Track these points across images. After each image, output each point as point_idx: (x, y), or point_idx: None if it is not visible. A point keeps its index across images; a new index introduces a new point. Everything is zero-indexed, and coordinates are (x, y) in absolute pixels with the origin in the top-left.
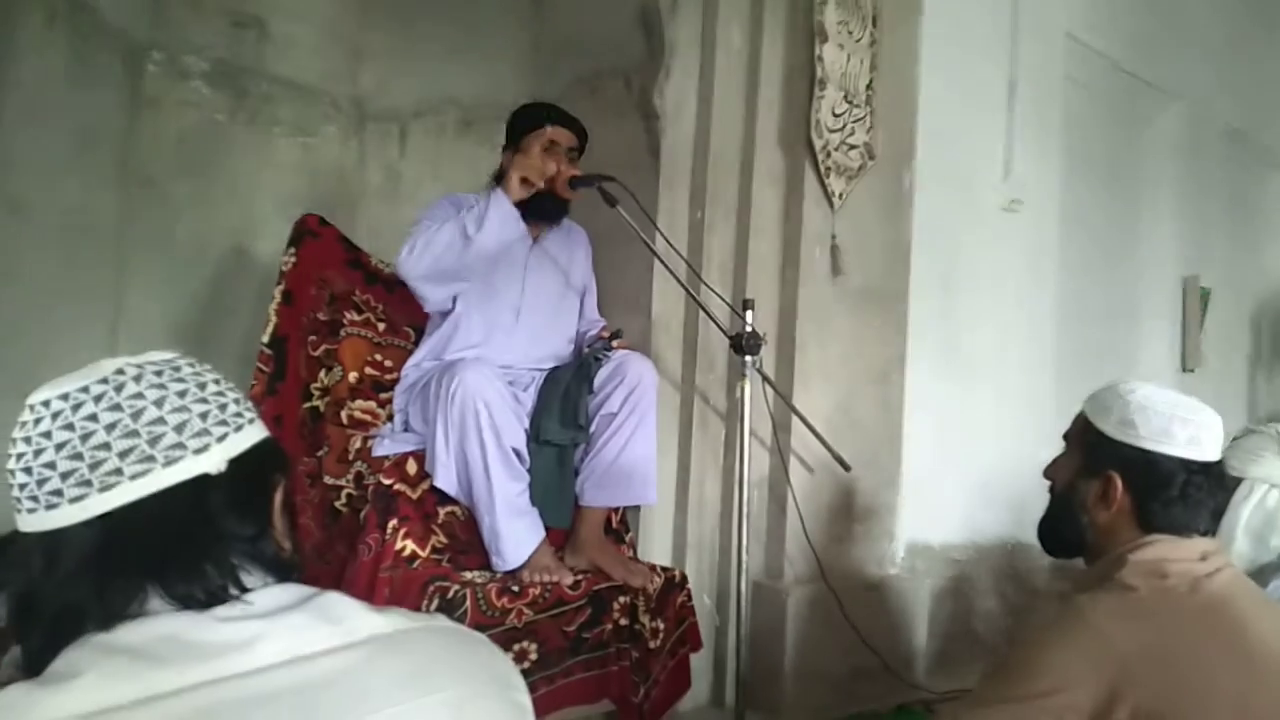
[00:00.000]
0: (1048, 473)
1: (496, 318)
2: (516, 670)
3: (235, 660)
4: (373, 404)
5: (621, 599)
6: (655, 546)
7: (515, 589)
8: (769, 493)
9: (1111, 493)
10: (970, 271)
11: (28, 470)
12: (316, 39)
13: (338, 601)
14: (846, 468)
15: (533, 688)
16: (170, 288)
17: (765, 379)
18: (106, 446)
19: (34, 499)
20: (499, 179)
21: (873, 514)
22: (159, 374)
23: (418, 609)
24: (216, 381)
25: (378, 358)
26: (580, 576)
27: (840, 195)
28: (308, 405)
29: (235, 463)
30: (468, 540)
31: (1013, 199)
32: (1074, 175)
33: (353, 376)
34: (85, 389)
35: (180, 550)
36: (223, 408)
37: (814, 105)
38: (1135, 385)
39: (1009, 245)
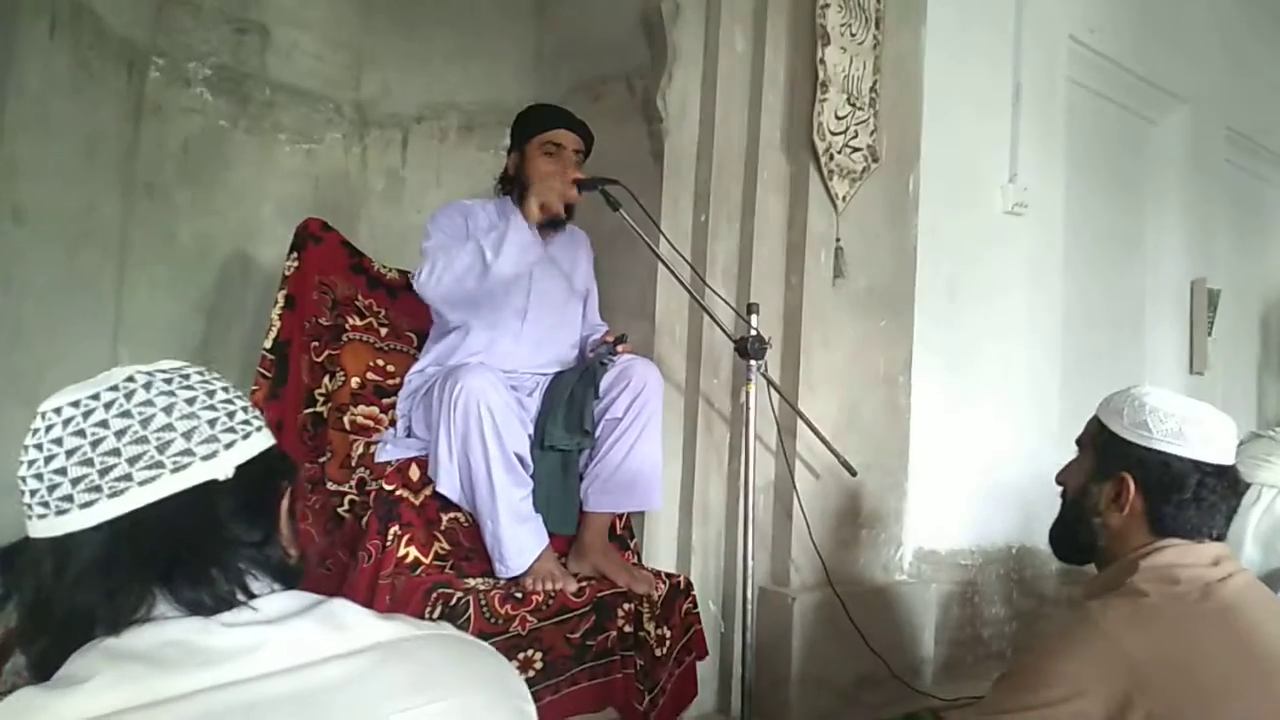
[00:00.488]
0: (1060, 477)
1: (502, 323)
2: (521, 679)
3: (241, 666)
4: (375, 409)
5: (626, 606)
6: (660, 552)
7: (519, 596)
8: (774, 498)
9: (1124, 495)
10: (975, 275)
11: (39, 476)
12: (319, 45)
13: (344, 608)
14: (852, 472)
15: (537, 697)
16: (173, 293)
17: (770, 383)
18: (116, 453)
19: (45, 505)
20: (505, 182)
21: (879, 519)
22: (169, 382)
23: (420, 616)
24: (225, 389)
25: (380, 363)
26: (584, 583)
27: (844, 198)
28: (310, 410)
29: (243, 469)
30: (471, 546)
31: (1017, 202)
32: (1079, 178)
33: (355, 382)
34: (96, 396)
35: (188, 556)
36: (231, 415)
37: (817, 108)
38: (1148, 389)
39: (1014, 248)
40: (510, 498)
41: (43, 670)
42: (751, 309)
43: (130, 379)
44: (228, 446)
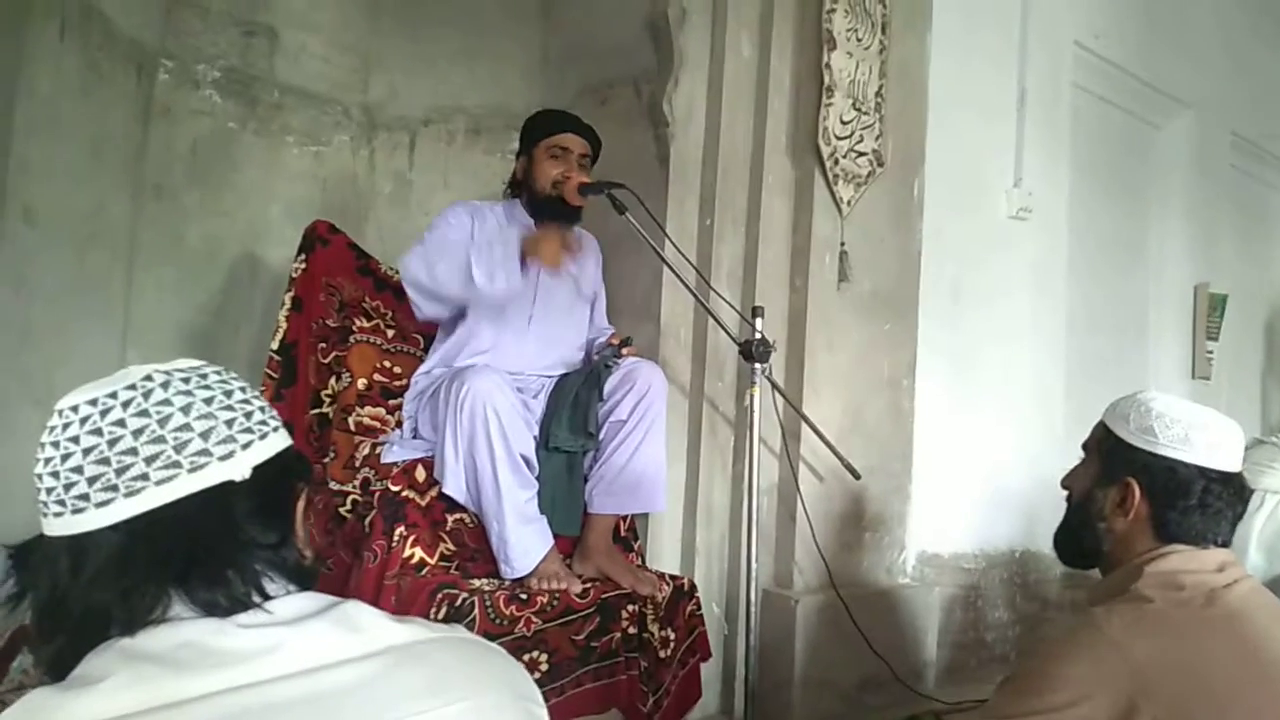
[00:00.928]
0: (1065, 482)
1: (509, 324)
2: (532, 682)
3: (256, 667)
4: (381, 410)
5: (630, 607)
6: (664, 554)
7: (523, 597)
8: (778, 500)
9: (1129, 500)
10: (979, 279)
11: (55, 474)
12: (327, 48)
13: (358, 611)
14: (856, 475)
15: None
16: (181, 294)
17: (775, 386)
18: (133, 452)
19: (60, 503)
20: (513, 185)
21: (882, 522)
22: (186, 381)
23: (425, 616)
24: (243, 389)
25: (387, 364)
26: (589, 584)
27: (849, 202)
28: (316, 411)
29: (260, 470)
30: (476, 547)
31: (1022, 207)
32: (1083, 183)
33: (361, 383)
34: (113, 395)
35: (204, 557)
36: (248, 415)
37: (822, 113)
38: (1155, 394)
39: (1018, 253)
40: (516, 499)
41: (57, 670)
42: (756, 312)
43: (148, 378)
44: (245, 447)
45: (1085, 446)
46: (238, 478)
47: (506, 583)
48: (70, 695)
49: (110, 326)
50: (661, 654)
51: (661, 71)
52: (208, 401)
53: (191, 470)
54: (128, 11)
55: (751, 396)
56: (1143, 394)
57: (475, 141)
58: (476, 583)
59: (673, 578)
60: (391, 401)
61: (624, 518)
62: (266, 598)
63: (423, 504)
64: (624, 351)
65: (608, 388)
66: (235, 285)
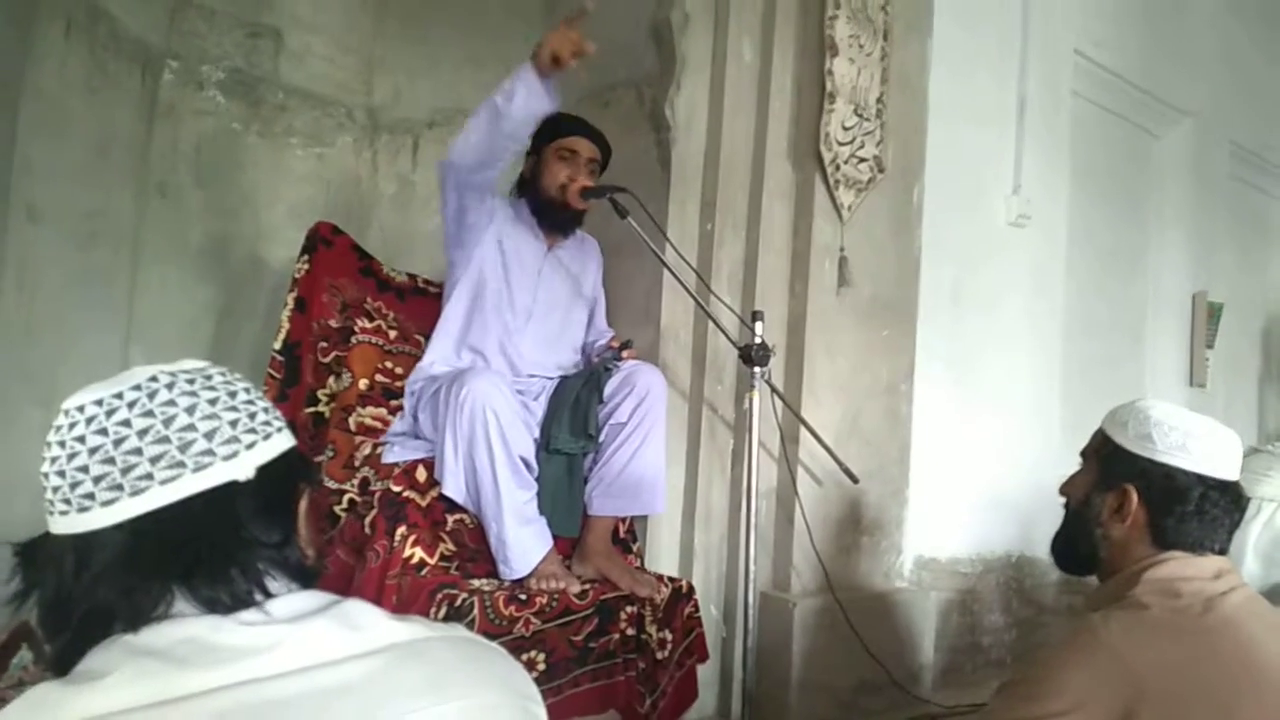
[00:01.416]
0: (1064, 489)
1: (507, 319)
2: (531, 681)
3: (257, 664)
4: (383, 410)
5: (628, 609)
6: (662, 556)
7: (523, 597)
8: (776, 504)
9: (1127, 506)
10: (978, 286)
11: (61, 473)
12: (331, 50)
13: (359, 609)
14: (854, 480)
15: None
16: (184, 294)
17: (774, 390)
18: (138, 452)
19: (66, 502)
20: (521, 186)
21: (880, 526)
22: (191, 382)
23: (425, 616)
24: (247, 390)
25: (388, 365)
26: (587, 586)
27: (849, 208)
28: (311, 410)
29: (263, 470)
30: (476, 548)
31: (1020, 214)
32: (1082, 191)
33: (363, 383)
34: (119, 395)
35: (207, 555)
36: (252, 416)
37: (824, 118)
38: (1154, 402)
39: (1017, 260)
40: (515, 500)
41: (61, 666)
42: (756, 316)
43: (153, 378)
44: (249, 447)
45: (1083, 453)
46: (242, 477)
47: (506, 583)
48: (73, 690)
49: (114, 325)
50: (659, 655)
51: (663, 75)
52: (212, 402)
53: (196, 470)
54: (133, 12)
55: (751, 400)
56: (1142, 401)
57: None
58: (476, 583)
59: (671, 579)
60: (393, 402)
61: (623, 519)
62: (269, 596)
63: (423, 504)
64: (624, 355)
65: (608, 390)
66: (238, 285)
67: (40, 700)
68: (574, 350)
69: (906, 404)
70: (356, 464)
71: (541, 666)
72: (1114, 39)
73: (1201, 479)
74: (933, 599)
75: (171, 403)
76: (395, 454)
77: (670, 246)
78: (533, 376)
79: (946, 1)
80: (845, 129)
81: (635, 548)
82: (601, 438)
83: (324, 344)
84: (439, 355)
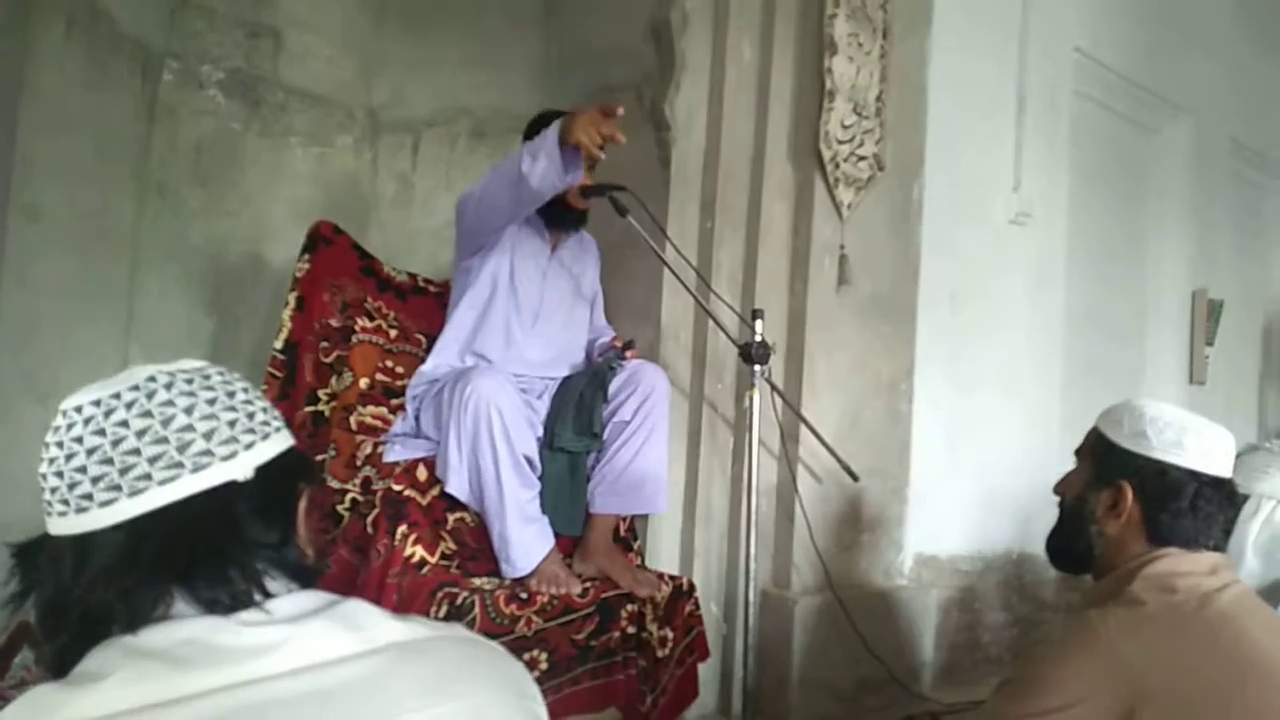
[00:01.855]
0: (1058, 488)
1: (515, 320)
2: (533, 680)
3: (257, 665)
4: (384, 410)
5: (629, 607)
6: (663, 555)
7: (524, 596)
8: (777, 502)
9: (1121, 503)
10: (978, 283)
11: (59, 474)
12: (331, 50)
13: (359, 608)
14: (854, 477)
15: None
16: (184, 294)
17: (774, 388)
18: (136, 452)
19: (65, 502)
20: None
21: (880, 524)
22: (189, 382)
23: (426, 615)
24: (245, 390)
25: (389, 364)
26: (588, 584)
27: (849, 206)
28: (311, 409)
29: (262, 470)
30: (477, 547)
31: (1020, 211)
32: (1082, 188)
33: (364, 382)
34: (117, 395)
35: (206, 555)
36: (251, 416)
37: (823, 117)
38: (1149, 401)
39: (1016, 257)
40: (518, 499)
41: (60, 667)
42: (756, 315)
43: (151, 378)
44: (247, 447)
45: (1078, 452)
46: (240, 477)
47: (507, 582)
48: (72, 691)
49: (114, 324)
50: (660, 653)
51: (663, 75)
52: (210, 402)
53: (194, 470)
54: (133, 11)
55: (751, 398)
56: (1137, 400)
57: (478, 144)
58: (477, 581)
59: (672, 578)
60: (394, 401)
61: (623, 518)
62: (268, 596)
63: (424, 503)
64: (627, 354)
65: (612, 389)
66: (238, 285)
67: (39, 702)
68: (578, 349)
69: (906, 402)
70: (358, 463)
71: (543, 665)
72: (1113, 36)
73: (1195, 476)
74: (933, 596)
75: (170, 403)
76: (396, 453)
77: (670, 245)
78: (537, 376)
79: None
80: (845, 127)
81: (636, 546)
82: (605, 436)
83: (325, 343)
84: (443, 360)
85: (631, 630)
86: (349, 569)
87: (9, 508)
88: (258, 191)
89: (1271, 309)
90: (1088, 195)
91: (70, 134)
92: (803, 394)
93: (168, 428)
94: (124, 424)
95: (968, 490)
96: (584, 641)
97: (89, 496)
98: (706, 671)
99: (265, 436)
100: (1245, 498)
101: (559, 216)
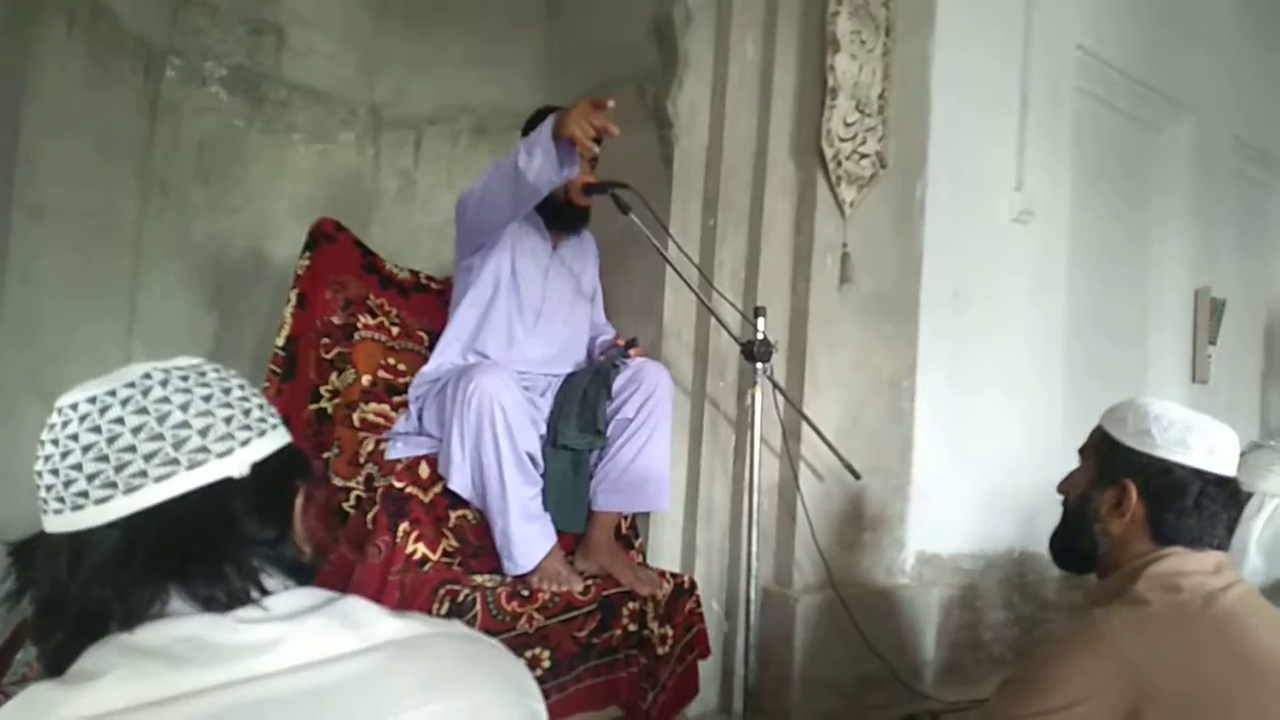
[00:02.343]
0: (1062, 487)
1: (517, 319)
2: (532, 678)
3: (254, 663)
4: (386, 407)
5: (631, 605)
6: (664, 552)
7: (525, 594)
8: (778, 500)
9: (1125, 502)
10: (981, 282)
11: (54, 472)
12: (334, 47)
13: (357, 606)
14: (856, 476)
15: (543, 695)
16: (186, 290)
17: (776, 386)
18: (132, 449)
19: (60, 500)
20: None
21: (882, 522)
22: (185, 379)
23: (428, 612)
24: (241, 387)
25: (391, 361)
26: (590, 582)
27: (851, 204)
28: (315, 407)
29: (258, 467)
30: (479, 544)
31: (1023, 210)
32: (1084, 187)
33: (366, 380)
34: (112, 392)
35: (202, 553)
36: (246, 413)
37: (826, 115)
38: (1153, 399)
39: (1019, 255)
40: (521, 496)
41: (56, 665)
42: (758, 313)
43: (147, 375)
44: (243, 444)
45: (1082, 451)
46: (236, 474)
47: (509, 579)
48: (69, 690)
49: (116, 322)
50: (661, 651)
51: (666, 72)
52: (206, 399)
53: (190, 467)
54: (135, 8)
55: (753, 396)
56: (1141, 399)
57: (480, 141)
58: (479, 579)
59: (673, 575)
60: (396, 398)
61: (625, 516)
62: (265, 593)
63: (426, 500)
64: (631, 352)
65: (616, 386)
66: (241, 281)
67: (35, 700)
68: (580, 346)
69: (908, 400)
70: (361, 460)
71: (545, 663)
72: (1117, 34)
73: (1200, 474)
74: (935, 595)
75: (166, 400)
76: (398, 450)
77: (672, 243)
78: (540, 373)
79: None
80: (847, 125)
81: (637, 544)
82: (608, 434)
83: (326, 340)
84: (445, 359)
85: (633, 628)
86: (352, 567)
87: (11, 506)
88: (260, 188)
89: (1274, 308)
90: (1090, 194)
91: (72, 132)
92: (805, 392)
93: (164, 424)
94: (120, 421)
95: (970, 488)
96: (585, 639)
97: (84, 494)
98: (707, 669)
99: (261, 433)
100: (1248, 496)
101: (562, 215)
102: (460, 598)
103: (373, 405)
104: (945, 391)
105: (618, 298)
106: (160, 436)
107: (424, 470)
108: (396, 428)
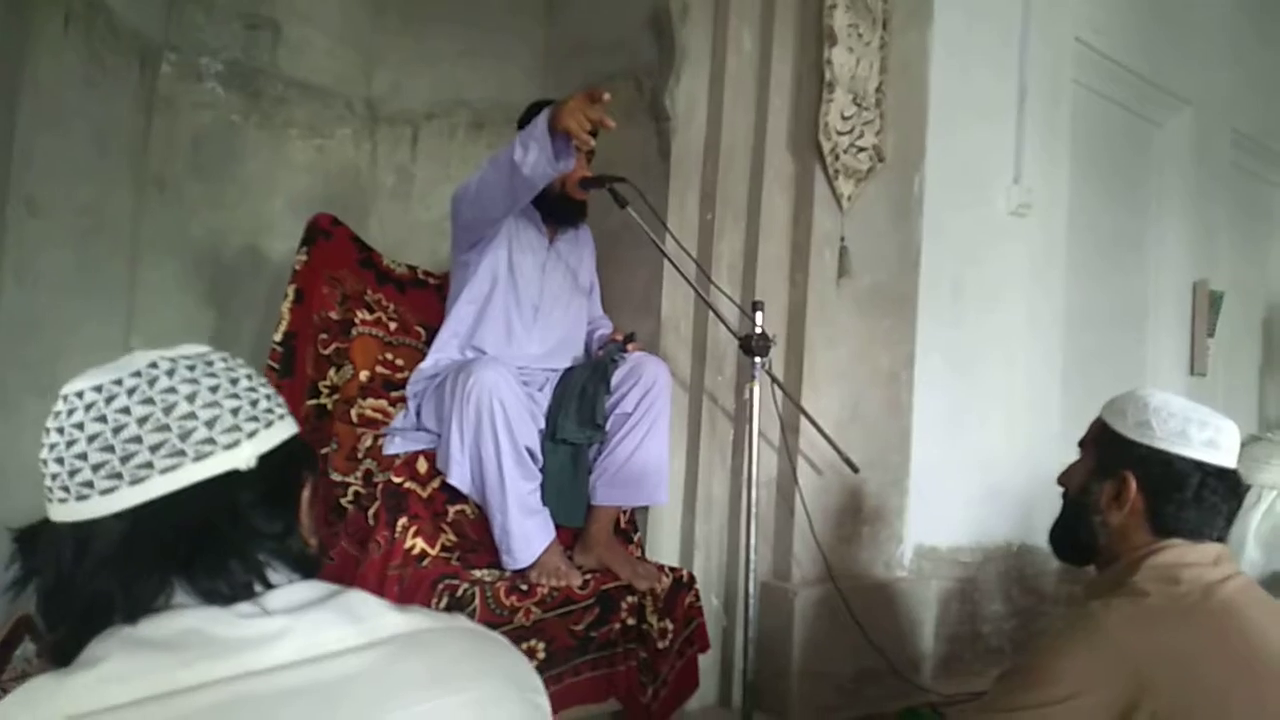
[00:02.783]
0: (1061, 479)
1: (515, 313)
2: (534, 672)
3: (258, 656)
4: (384, 402)
5: (629, 599)
6: (663, 546)
7: (523, 588)
8: (777, 493)
9: (1125, 493)
10: (979, 275)
11: (60, 460)
12: (330, 41)
13: (361, 600)
14: (854, 469)
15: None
16: (184, 286)
17: (774, 380)
18: (138, 439)
19: (65, 489)
20: None
21: (880, 516)
22: (191, 368)
23: (427, 606)
24: (249, 377)
25: (389, 356)
26: (589, 576)
27: (849, 198)
28: (314, 402)
29: (265, 459)
30: (477, 539)
31: (1021, 203)
32: (1082, 179)
33: (364, 375)
34: (118, 381)
35: (208, 545)
36: (254, 404)
37: (823, 108)
38: (1153, 391)
39: (1017, 249)
40: (519, 490)
41: (60, 657)
42: (756, 307)
43: (153, 364)
44: (250, 435)
45: (1082, 443)
46: (243, 466)
47: (507, 573)
48: (72, 681)
49: (113, 318)
50: (660, 645)
51: (663, 66)
52: (213, 389)
53: (196, 459)
54: (131, 4)
55: (751, 390)
56: (1141, 390)
57: (477, 135)
58: (477, 573)
59: (672, 569)
60: (393, 394)
61: (624, 510)
62: (269, 587)
63: (424, 495)
64: (629, 347)
65: (614, 381)
66: (238, 277)
67: (38, 692)
68: (578, 341)
69: (907, 393)
70: (359, 456)
71: (542, 655)
72: (1115, 26)
73: (1200, 466)
74: (933, 588)
75: (172, 390)
76: (396, 445)
77: (670, 237)
78: (538, 368)
79: None
80: (844, 118)
81: (636, 538)
82: (607, 428)
83: (324, 336)
84: (444, 355)
85: (632, 622)
86: (351, 562)
87: (9, 499)
88: (257, 184)
89: (1272, 300)
90: (1088, 187)
91: (69, 127)
92: (803, 386)
93: (170, 415)
94: (126, 410)
95: (968, 482)
96: (584, 633)
97: (90, 484)
98: (707, 663)
99: (269, 424)
100: (1247, 488)
101: (558, 209)
102: (459, 592)
103: (371, 401)
104: (943, 384)
105: (615, 292)
106: (166, 427)
107: (422, 465)
108: (395, 423)
